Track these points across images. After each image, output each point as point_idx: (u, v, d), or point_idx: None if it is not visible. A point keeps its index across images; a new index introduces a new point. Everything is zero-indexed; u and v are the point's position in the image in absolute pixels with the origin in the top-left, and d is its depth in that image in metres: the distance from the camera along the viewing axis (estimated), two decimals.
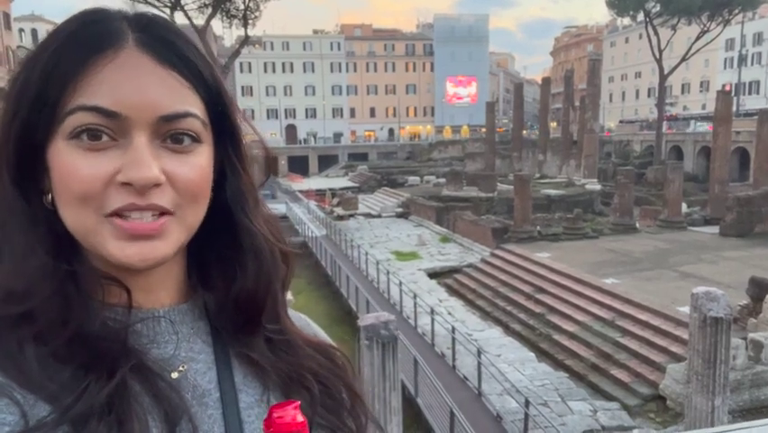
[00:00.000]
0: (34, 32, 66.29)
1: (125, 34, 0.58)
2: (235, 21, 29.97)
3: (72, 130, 0.56)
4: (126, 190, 0.56)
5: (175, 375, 0.63)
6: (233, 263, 0.69)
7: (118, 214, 0.57)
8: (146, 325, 0.64)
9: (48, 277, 0.57)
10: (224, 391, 0.65)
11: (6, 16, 52.26)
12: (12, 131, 0.58)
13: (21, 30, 62.41)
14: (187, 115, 0.59)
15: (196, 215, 0.62)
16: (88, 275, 0.60)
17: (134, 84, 0.56)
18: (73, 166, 0.56)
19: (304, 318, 0.83)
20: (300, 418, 0.59)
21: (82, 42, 0.56)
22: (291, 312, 0.78)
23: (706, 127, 48.50)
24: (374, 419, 0.77)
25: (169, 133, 0.59)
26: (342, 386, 0.73)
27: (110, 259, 0.58)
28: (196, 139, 0.61)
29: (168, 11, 27.18)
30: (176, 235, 0.61)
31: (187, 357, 0.65)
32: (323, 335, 0.82)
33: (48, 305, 0.57)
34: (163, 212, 0.59)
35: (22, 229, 0.59)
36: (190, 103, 0.60)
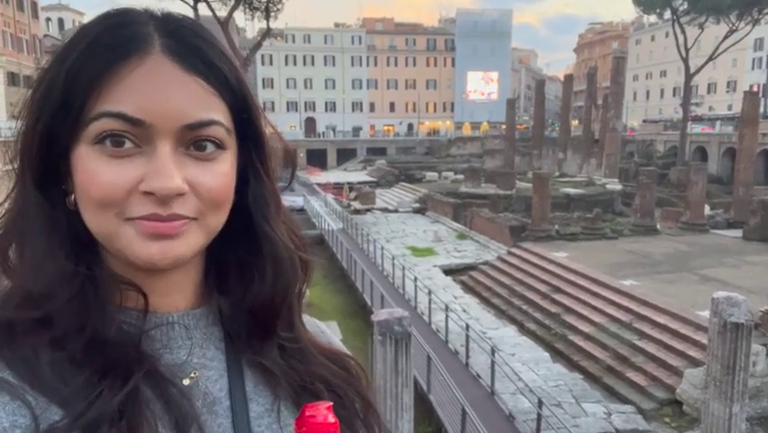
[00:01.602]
0: (61, 22, 67.33)
1: (152, 39, 0.57)
2: (258, 13, 30.05)
3: (96, 135, 0.55)
4: (149, 199, 0.56)
5: (186, 382, 0.62)
6: (251, 268, 0.68)
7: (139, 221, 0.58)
8: (160, 329, 0.63)
9: (67, 281, 0.57)
10: (235, 400, 0.64)
11: (34, 5, 53.19)
12: (36, 133, 0.57)
13: (48, 19, 63.48)
14: (211, 123, 0.59)
15: (217, 220, 0.62)
16: (107, 279, 0.59)
17: (159, 92, 0.56)
18: (96, 172, 0.56)
19: (318, 325, 0.81)
20: (332, 418, 0.58)
21: (108, 47, 0.56)
22: (305, 318, 0.76)
23: (699, 129, 47.92)
24: (387, 429, 0.76)
25: (193, 140, 0.59)
26: (356, 395, 0.72)
27: (134, 258, 0.58)
28: (219, 146, 0.60)
29: (191, 2, 27.37)
30: (195, 238, 0.60)
31: (200, 364, 0.64)
32: (337, 342, 0.80)
33: (66, 309, 0.57)
34: (184, 218, 0.59)
35: (42, 232, 0.58)
36: (215, 110, 0.59)
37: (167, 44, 0.58)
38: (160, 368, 0.59)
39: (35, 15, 53.17)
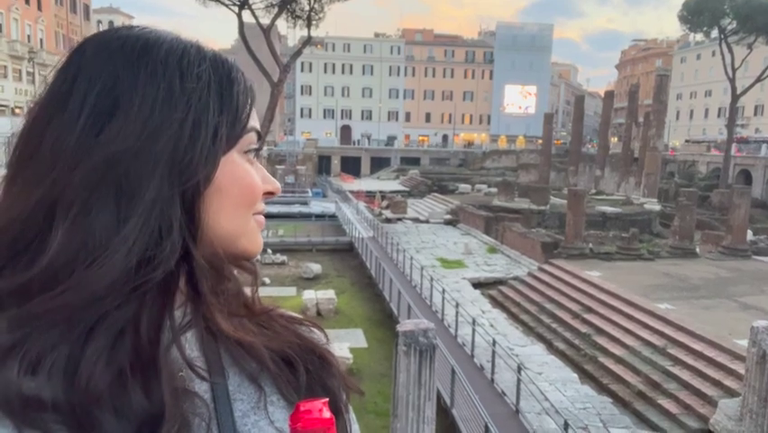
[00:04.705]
0: (111, 25, 69.85)
1: None
2: (300, 21, 30.56)
3: (246, 145, 0.65)
4: (263, 198, 0.68)
5: None
6: None
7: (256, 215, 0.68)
8: None
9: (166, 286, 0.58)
10: (219, 401, 0.64)
11: (86, 8, 55.39)
12: (217, 141, 0.60)
13: (99, 21, 65.91)
14: None
15: None
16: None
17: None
18: (252, 174, 0.65)
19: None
20: (327, 414, 0.59)
21: (246, 78, 0.67)
22: None
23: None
24: (356, 388, 0.75)
25: None
26: (316, 356, 0.72)
27: (254, 249, 0.67)
28: None
29: (236, 9, 28.03)
30: None
31: (184, 364, 0.62)
32: (289, 312, 0.80)
33: (150, 323, 0.56)
34: None
35: (172, 238, 0.57)
36: None
37: None
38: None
39: (87, 17, 55.33)
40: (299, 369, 0.69)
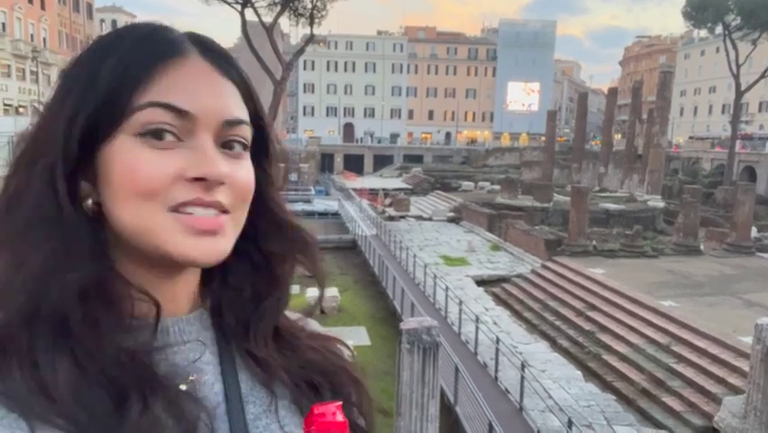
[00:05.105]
0: (114, 23, 69.92)
1: (189, 45, 0.61)
2: (302, 19, 30.55)
3: (141, 125, 0.56)
4: (193, 186, 0.57)
5: (183, 387, 0.60)
6: (259, 258, 0.70)
7: (182, 208, 0.57)
8: (161, 335, 0.62)
9: (82, 291, 0.55)
10: (231, 403, 0.64)
11: (89, 6, 55.49)
12: (76, 124, 0.56)
13: (102, 20, 65.96)
14: (242, 122, 0.62)
15: (243, 215, 0.64)
16: (122, 288, 0.58)
17: (204, 87, 0.59)
18: (140, 161, 0.56)
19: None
20: (341, 417, 0.59)
21: (156, 45, 0.58)
22: None
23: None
24: (380, 407, 0.75)
25: (226, 138, 0.61)
26: (348, 380, 0.72)
27: (174, 253, 0.57)
28: (245, 147, 0.63)
29: (239, 7, 28.04)
30: (231, 234, 0.62)
31: (195, 368, 0.63)
32: (316, 325, 0.80)
33: (83, 324, 0.54)
34: (223, 210, 0.60)
35: (57, 236, 0.55)
36: (244, 113, 0.63)
37: (201, 51, 0.62)
38: (160, 377, 0.58)
39: (90, 16, 55.45)
40: (324, 393, 0.69)
